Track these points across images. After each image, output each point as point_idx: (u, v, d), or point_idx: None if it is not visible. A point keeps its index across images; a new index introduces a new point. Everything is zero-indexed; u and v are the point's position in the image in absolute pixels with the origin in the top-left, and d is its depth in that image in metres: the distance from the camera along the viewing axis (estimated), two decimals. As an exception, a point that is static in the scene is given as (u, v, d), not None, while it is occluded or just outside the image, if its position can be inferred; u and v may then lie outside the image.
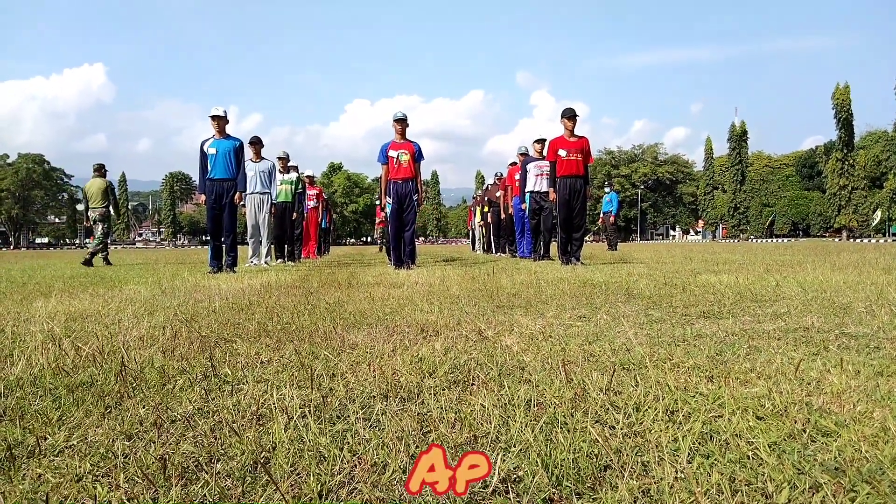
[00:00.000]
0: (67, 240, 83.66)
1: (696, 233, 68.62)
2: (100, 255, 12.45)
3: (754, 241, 46.58)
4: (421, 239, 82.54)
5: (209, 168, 8.30)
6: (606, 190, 19.03)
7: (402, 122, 8.58)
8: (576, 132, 8.77)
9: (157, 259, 16.99)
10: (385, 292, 4.77)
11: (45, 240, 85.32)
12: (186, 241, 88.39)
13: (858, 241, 36.36)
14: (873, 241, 35.58)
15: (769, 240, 48.46)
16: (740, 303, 3.71)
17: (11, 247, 72.63)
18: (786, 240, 47.54)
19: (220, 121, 8.36)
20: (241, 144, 8.54)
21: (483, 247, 17.78)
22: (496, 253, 14.82)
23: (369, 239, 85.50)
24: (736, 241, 49.89)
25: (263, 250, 10.26)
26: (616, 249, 17.43)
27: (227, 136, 8.42)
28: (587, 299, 4.09)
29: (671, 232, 76.96)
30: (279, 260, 11.52)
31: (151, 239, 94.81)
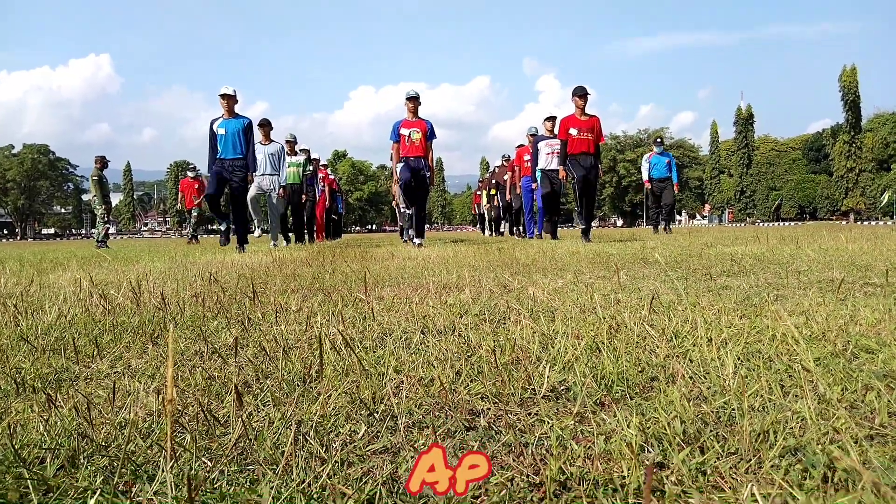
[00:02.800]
0: (73, 230, 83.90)
1: (703, 217, 68.34)
2: (98, 236, 13.04)
3: (761, 224, 46.43)
4: (427, 226, 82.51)
5: (219, 148, 8.29)
6: (656, 150, 13.39)
7: (414, 100, 8.56)
8: (586, 111, 8.73)
9: (165, 244, 17.06)
10: (401, 262, 4.78)
11: (52, 230, 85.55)
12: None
13: (866, 223, 36.18)
14: (881, 223, 35.40)
15: (776, 223, 48.31)
16: (760, 264, 3.71)
17: (18, 237, 72.90)
18: (793, 223, 47.39)
19: (230, 100, 8.34)
20: (250, 123, 8.52)
21: (492, 229, 17.77)
22: (505, 234, 14.81)
23: (374, 227, 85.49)
24: (743, 224, 49.72)
25: (257, 232, 10.31)
26: (669, 229, 13.03)
27: (236, 116, 8.39)
28: (604, 265, 4.09)
29: (677, 216, 76.71)
30: (286, 243, 11.54)
31: (157, 228, 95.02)
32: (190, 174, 16.08)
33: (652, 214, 13.78)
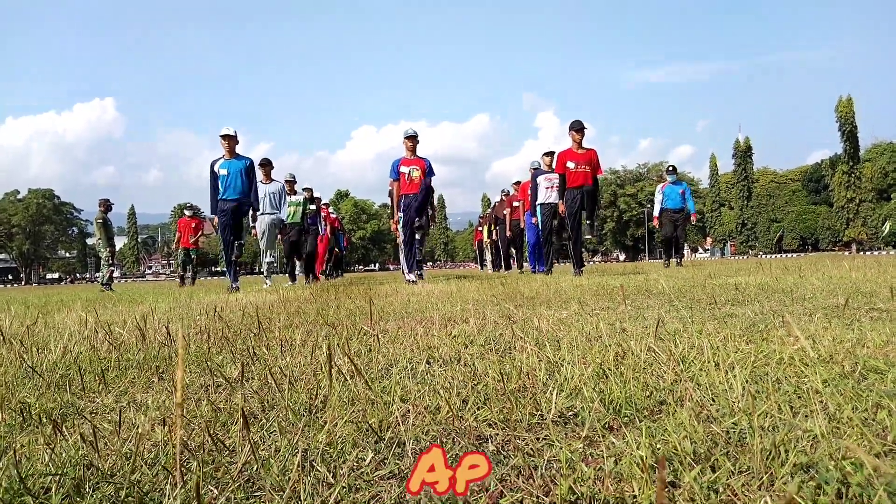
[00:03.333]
0: (78, 274, 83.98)
1: (705, 250, 68.32)
2: (102, 279, 12.97)
3: (763, 256, 46.38)
4: (429, 263, 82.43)
5: (220, 189, 8.34)
6: (669, 180, 12.38)
7: (413, 138, 8.65)
8: (584, 145, 8.82)
9: (169, 286, 17.07)
10: (405, 298, 4.78)
11: (56, 275, 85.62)
12: (196, 272, 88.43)
13: (869, 253, 36.13)
14: (884, 252, 35.34)
15: (778, 255, 48.24)
16: (764, 293, 3.70)
17: (22, 282, 72.94)
18: (795, 254, 47.29)
19: (231, 140, 8.41)
20: (252, 163, 8.60)
21: (492, 264, 17.75)
22: (505, 270, 14.80)
23: (377, 265, 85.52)
24: (745, 257, 49.66)
25: (268, 272, 10.32)
26: (681, 263, 12.10)
27: (238, 156, 8.47)
28: (608, 296, 4.09)
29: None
30: (290, 282, 11.55)
31: (161, 271, 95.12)
32: (187, 213, 15.68)
33: (664, 247, 12.67)
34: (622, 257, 72.91)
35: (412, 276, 8.46)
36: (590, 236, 8.85)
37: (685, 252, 12.68)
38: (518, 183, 12.86)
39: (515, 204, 12.99)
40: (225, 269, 8.58)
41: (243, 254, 8.74)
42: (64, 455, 1.00)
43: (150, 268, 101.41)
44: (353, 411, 1.23)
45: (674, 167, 12.73)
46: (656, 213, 12.30)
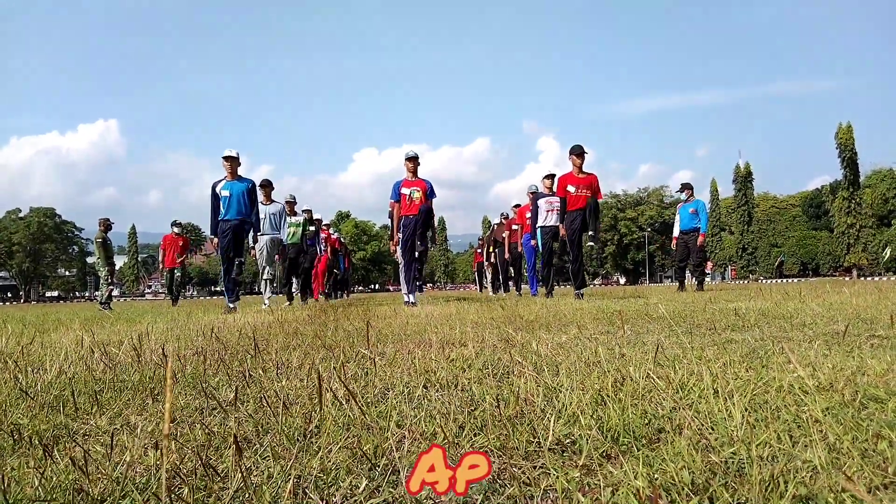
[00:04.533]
0: (77, 292, 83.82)
1: (706, 274, 68.30)
2: (101, 298, 12.89)
3: (764, 281, 46.29)
4: (429, 285, 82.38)
5: (222, 210, 8.37)
6: (683, 197, 11.87)
7: (414, 160, 8.68)
8: (584, 169, 8.87)
9: (168, 306, 17.02)
10: (404, 319, 4.76)
11: (55, 293, 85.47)
12: (195, 292, 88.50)
13: (870, 278, 36.07)
14: (885, 278, 35.29)
15: (779, 280, 48.16)
16: (765, 318, 3.68)
17: (22, 300, 72.78)
18: (796, 279, 47.24)
19: (233, 162, 8.46)
20: (254, 185, 8.65)
21: (491, 286, 17.73)
22: (504, 292, 14.78)
23: (377, 286, 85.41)
24: (746, 281, 49.57)
25: (267, 291, 10.32)
26: (701, 287, 11.50)
27: (240, 178, 8.51)
28: (608, 320, 4.07)
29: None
30: (287, 303, 11.53)
31: (161, 290, 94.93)
32: (175, 230, 14.95)
33: (676, 272, 12.19)
34: (622, 280, 72.84)
35: (412, 298, 8.45)
36: (592, 243, 8.80)
37: (686, 275, 12.44)
38: (518, 206, 12.92)
39: (514, 227, 13.02)
40: (224, 288, 8.57)
41: (243, 272, 8.74)
42: (54, 479, 0.99)
43: (149, 287, 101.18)
44: (348, 437, 1.22)
45: (684, 185, 12.04)
46: (675, 234, 11.99)
